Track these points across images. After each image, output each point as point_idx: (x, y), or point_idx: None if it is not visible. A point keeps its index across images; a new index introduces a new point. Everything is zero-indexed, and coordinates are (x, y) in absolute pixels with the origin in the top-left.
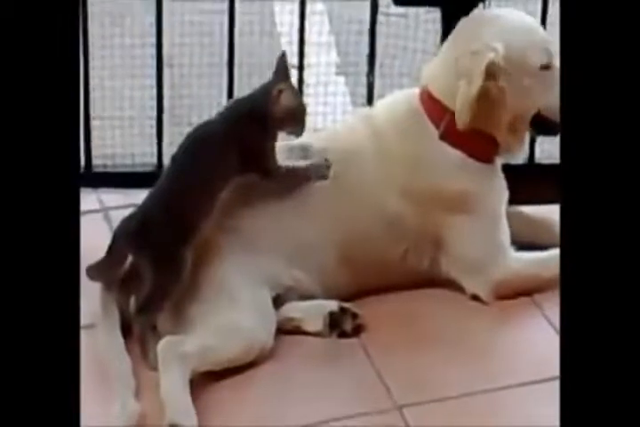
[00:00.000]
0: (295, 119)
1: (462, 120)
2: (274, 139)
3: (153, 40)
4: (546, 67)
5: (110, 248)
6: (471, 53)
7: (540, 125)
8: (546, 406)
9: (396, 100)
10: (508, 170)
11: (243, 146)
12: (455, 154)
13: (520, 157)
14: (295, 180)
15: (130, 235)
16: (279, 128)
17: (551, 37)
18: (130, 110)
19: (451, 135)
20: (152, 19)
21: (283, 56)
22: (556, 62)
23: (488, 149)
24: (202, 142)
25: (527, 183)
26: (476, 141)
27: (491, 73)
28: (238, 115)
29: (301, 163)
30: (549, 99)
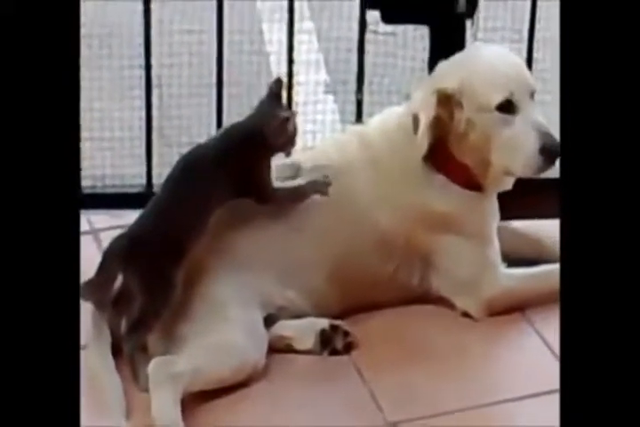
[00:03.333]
0: (293, 143)
1: (420, 147)
2: (270, 163)
3: (141, 61)
4: (504, 108)
5: (100, 268)
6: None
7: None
8: (538, 422)
9: (388, 118)
10: None
11: (240, 170)
12: (438, 177)
13: (510, 184)
14: (291, 200)
15: (120, 255)
16: (278, 152)
17: (529, 81)
18: (119, 131)
19: (433, 161)
20: (140, 40)
21: (279, 81)
22: (526, 108)
23: (468, 177)
24: (196, 165)
25: (518, 198)
26: (455, 170)
27: (442, 101)
28: (236, 139)
29: (296, 182)
30: (508, 140)
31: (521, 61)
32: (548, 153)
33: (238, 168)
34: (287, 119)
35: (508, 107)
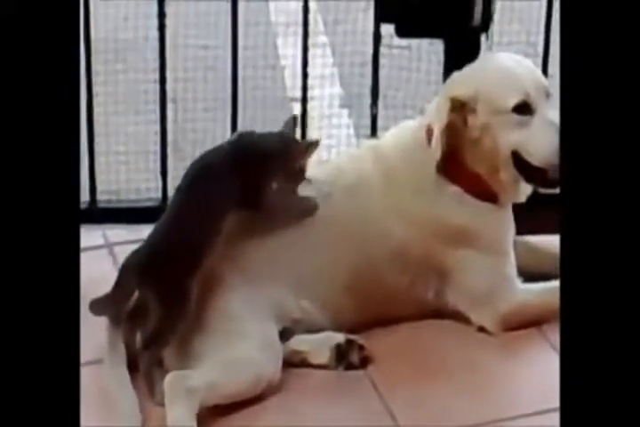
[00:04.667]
0: (298, 176)
1: (435, 155)
2: (275, 181)
3: (156, 76)
4: (520, 110)
5: (117, 283)
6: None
7: (523, 168)
8: None
9: (403, 131)
10: None
11: (243, 184)
12: (453, 189)
13: (524, 197)
14: (287, 216)
15: (136, 270)
16: (294, 180)
17: (543, 83)
18: (134, 146)
19: (448, 171)
20: (155, 54)
21: (294, 119)
22: (542, 109)
23: (482, 188)
24: (205, 173)
25: (535, 213)
26: (470, 180)
27: (455, 109)
28: (252, 154)
29: (292, 200)
30: (525, 141)
31: (533, 65)
32: None
33: (242, 182)
34: (311, 146)
35: (524, 108)
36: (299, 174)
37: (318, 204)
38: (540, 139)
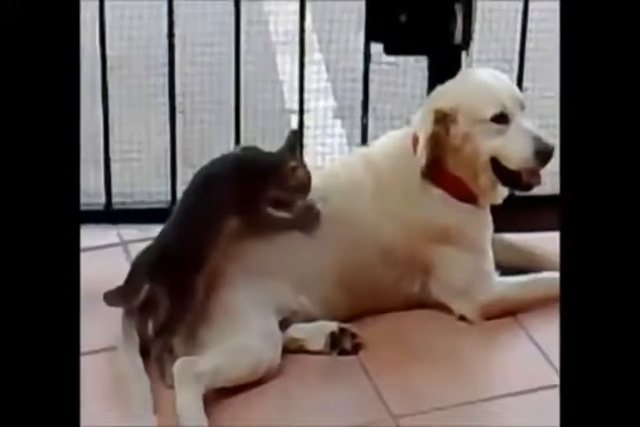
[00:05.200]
0: (303, 189)
1: (421, 161)
2: (268, 194)
3: (166, 90)
4: (498, 119)
5: (129, 277)
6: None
7: (501, 173)
8: (529, 416)
9: (391, 140)
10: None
11: (242, 195)
12: (437, 192)
13: (500, 199)
14: (278, 228)
15: (147, 266)
16: (291, 195)
17: (518, 95)
18: (146, 153)
19: (432, 176)
20: (165, 70)
21: (294, 133)
22: (517, 119)
23: (463, 190)
24: (208, 181)
25: (511, 213)
26: (452, 184)
27: (438, 120)
28: (248, 168)
29: (287, 215)
30: (502, 148)
31: (508, 80)
32: (541, 155)
33: (241, 193)
34: (294, 168)
35: (501, 118)
36: (297, 189)
37: (320, 221)
38: (516, 145)
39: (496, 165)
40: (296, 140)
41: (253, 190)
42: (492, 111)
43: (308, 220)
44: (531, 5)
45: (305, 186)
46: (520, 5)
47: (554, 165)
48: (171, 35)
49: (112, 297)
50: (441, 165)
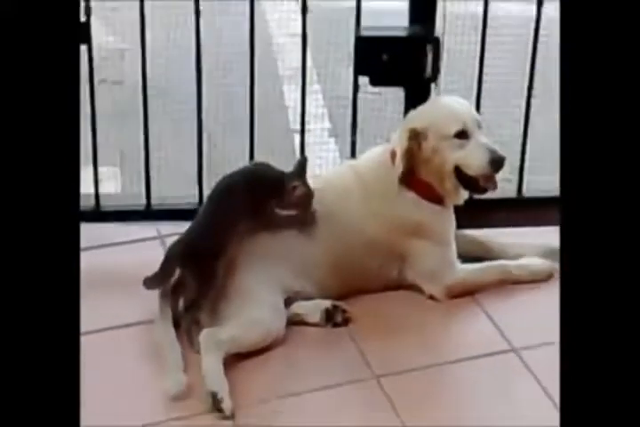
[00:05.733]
0: (303, 205)
1: (398, 170)
2: (274, 203)
3: (194, 114)
4: (460, 135)
5: (162, 265)
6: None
7: (462, 179)
8: (485, 374)
9: (374, 154)
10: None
11: (253, 203)
12: (411, 195)
13: (462, 200)
14: (289, 227)
15: (177, 255)
16: (289, 209)
17: (476, 117)
18: (178, 164)
19: (407, 182)
20: (194, 89)
21: (304, 158)
22: (476, 135)
23: (432, 194)
24: (227, 189)
25: (470, 213)
26: (422, 188)
27: (412, 137)
28: (258, 181)
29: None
30: (464, 158)
31: (468, 104)
32: (495, 164)
33: (253, 200)
34: (295, 187)
35: (462, 134)
36: (295, 205)
37: (316, 220)
38: (475, 156)
39: (459, 172)
40: (304, 165)
41: (262, 198)
42: (455, 129)
43: (307, 219)
44: (486, 45)
45: (303, 203)
46: (477, 47)
47: (503, 173)
48: (199, 69)
49: (150, 282)
50: (414, 173)
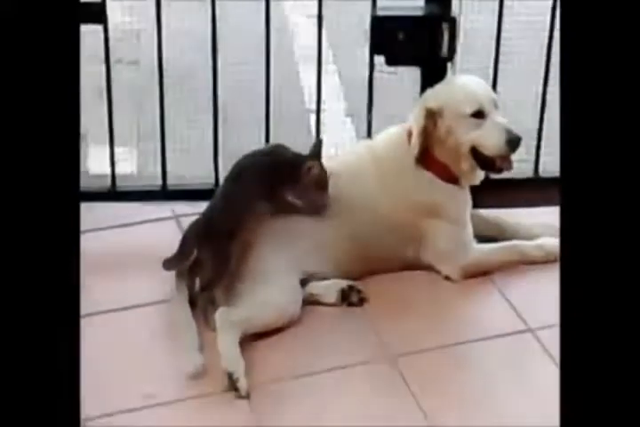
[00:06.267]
0: (320, 185)
1: (414, 150)
2: (289, 186)
3: (210, 94)
4: (476, 115)
5: (180, 246)
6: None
7: (478, 159)
8: (500, 354)
9: (390, 134)
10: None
11: (270, 183)
12: (427, 175)
13: (478, 180)
14: (302, 211)
15: (194, 236)
16: (306, 191)
17: (492, 96)
18: (195, 144)
19: (423, 162)
20: (209, 70)
21: (319, 141)
22: (492, 115)
23: (448, 174)
24: (244, 171)
25: (486, 193)
26: (438, 168)
27: (428, 116)
28: (274, 163)
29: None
30: (480, 138)
31: (485, 83)
32: (511, 143)
33: (268, 182)
34: (310, 168)
35: (479, 114)
36: (310, 186)
37: (328, 205)
38: (491, 135)
39: (475, 152)
40: (320, 147)
41: (278, 181)
42: (471, 108)
43: (317, 208)
44: (503, 25)
45: (319, 183)
46: (494, 26)
47: (519, 153)
48: (214, 49)
49: (169, 263)
50: (430, 153)
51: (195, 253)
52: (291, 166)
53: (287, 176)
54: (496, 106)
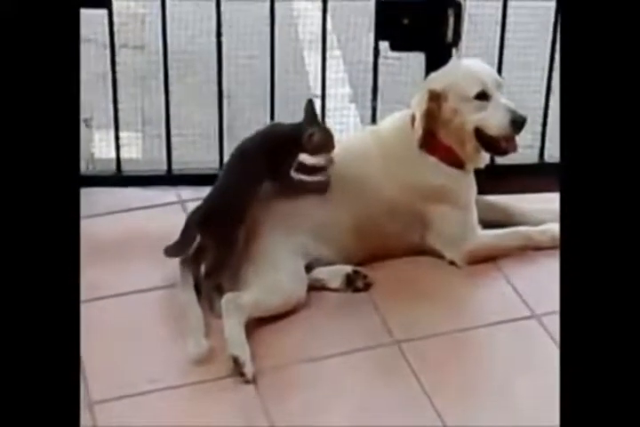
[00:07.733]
0: (326, 148)
1: (417, 133)
2: (293, 160)
3: (214, 77)
4: (480, 97)
5: (183, 232)
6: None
7: (483, 140)
8: (505, 340)
9: (394, 119)
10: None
11: (271, 163)
12: (431, 159)
13: (483, 164)
14: (301, 190)
15: (198, 221)
16: (315, 154)
17: (496, 78)
18: (199, 129)
19: (427, 146)
20: (214, 54)
21: (310, 102)
22: (496, 96)
23: (453, 158)
24: (245, 154)
25: (491, 179)
26: (443, 152)
27: (432, 98)
28: (273, 140)
29: (308, 178)
30: (484, 119)
31: (488, 66)
32: (516, 124)
33: (270, 163)
34: (311, 135)
35: (483, 96)
36: (318, 150)
37: (329, 184)
38: (496, 116)
39: (479, 134)
40: (312, 108)
41: (280, 160)
42: (475, 90)
43: (321, 183)
44: (508, 10)
45: (325, 145)
46: (499, 11)
47: (525, 139)
48: (219, 34)
49: (171, 250)
50: (434, 136)
51: (197, 240)
52: (292, 139)
53: (291, 150)
54: (500, 87)
